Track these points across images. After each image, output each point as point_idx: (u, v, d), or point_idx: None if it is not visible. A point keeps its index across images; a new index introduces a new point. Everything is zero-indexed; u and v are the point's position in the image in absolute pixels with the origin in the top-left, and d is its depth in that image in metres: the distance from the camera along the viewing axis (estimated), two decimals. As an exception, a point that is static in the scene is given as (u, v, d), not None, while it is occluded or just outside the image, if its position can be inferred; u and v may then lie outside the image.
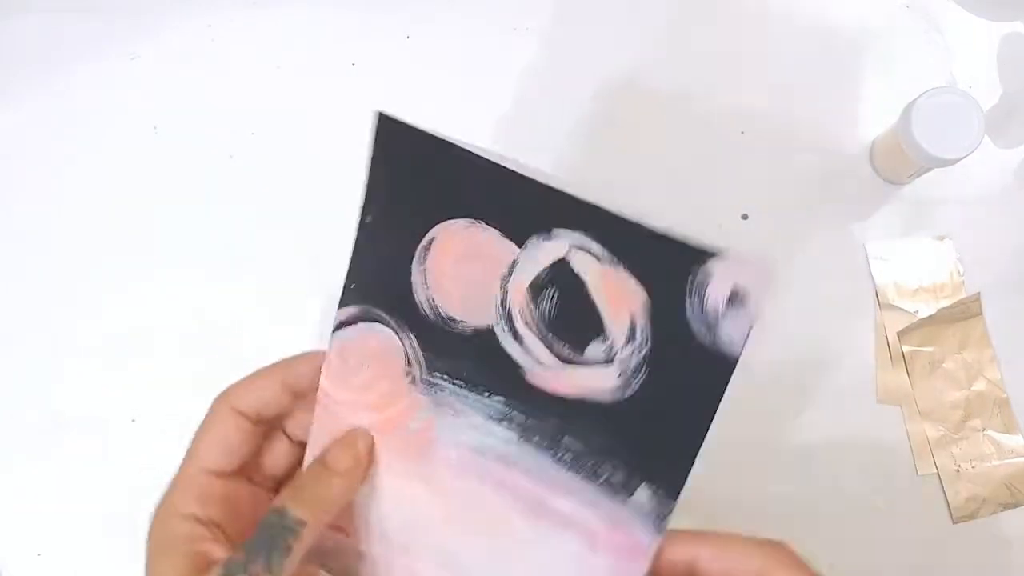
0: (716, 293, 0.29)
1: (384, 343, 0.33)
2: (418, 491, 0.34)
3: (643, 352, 0.31)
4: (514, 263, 0.31)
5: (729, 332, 0.30)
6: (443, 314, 0.32)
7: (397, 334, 0.33)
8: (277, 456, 0.36)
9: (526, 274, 0.31)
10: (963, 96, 0.45)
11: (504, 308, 0.32)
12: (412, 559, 0.34)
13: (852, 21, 0.53)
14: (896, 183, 0.51)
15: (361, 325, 0.33)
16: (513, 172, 0.30)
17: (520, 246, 0.31)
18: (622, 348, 0.31)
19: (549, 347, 0.31)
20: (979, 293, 0.49)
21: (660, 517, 0.32)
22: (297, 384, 0.35)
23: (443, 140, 0.30)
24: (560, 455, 0.32)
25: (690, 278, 0.30)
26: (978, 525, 0.48)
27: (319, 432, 0.34)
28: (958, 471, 0.48)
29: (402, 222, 0.32)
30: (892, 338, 0.49)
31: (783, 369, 0.48)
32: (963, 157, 0.44)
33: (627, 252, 0.30)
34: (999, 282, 0.50)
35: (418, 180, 0.31)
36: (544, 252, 0.31)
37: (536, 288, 0.31)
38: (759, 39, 0.53)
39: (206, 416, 0.35)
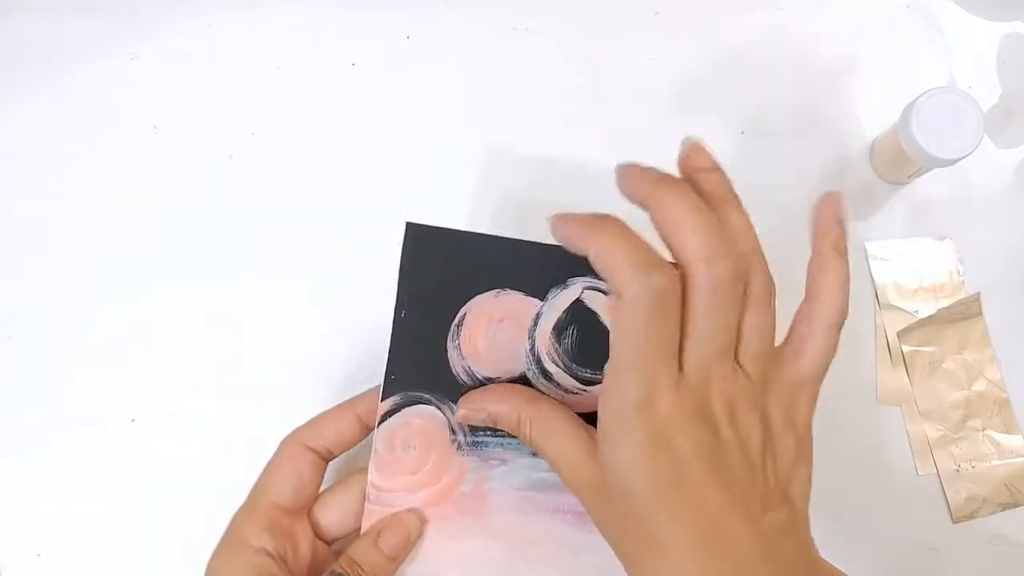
0: None
1: (428, 419, 0.36)
2: (476, 544, 0.36)
3: None
4: (538, 315, 0.37)
5: None
6: (479, 377, 0.37)
7: (439, 408, 0.36)
8: (343, 512, 0.37)
9: (549, 321, 0.37)
10: (963, 96, 0.45)
11: (534, 354, 0.37)
12: None
13: (852, 21, 0.53)
14: (896, 183, 0.51)
15: (405, 410, 0.36)
16: (528, 243, 0.36)
17: (542, 299, 0.37)
18: None
19: (574, 376, 0.37)
20: (979, 293, 0.49)
21: None
22: (368, 417, 0.37)
23: (464, 232, 0.36)
24: None
25: None
26: (978, 525, 0.48)
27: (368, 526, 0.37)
28: (958, 471, 0.48)
29: (435, 309, 0.36)
30: (892, 338, 0.49)
31: (783, 369, 0.48)
32: (963, 157, 0.44)
33: None
34: (999, 282, 0.50)
35: (447, 269, 0.36)
36: (563, 299, 0.37)
37: (558, 330, 0.37)
38: (759, 39, 0.53)
39: (275, 455, 0.37)
